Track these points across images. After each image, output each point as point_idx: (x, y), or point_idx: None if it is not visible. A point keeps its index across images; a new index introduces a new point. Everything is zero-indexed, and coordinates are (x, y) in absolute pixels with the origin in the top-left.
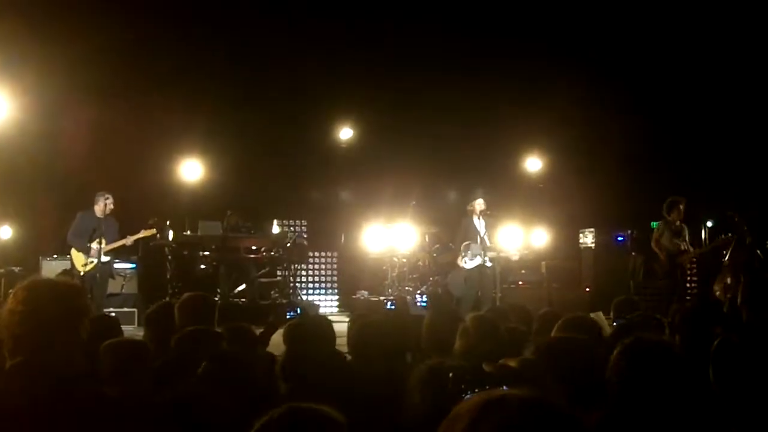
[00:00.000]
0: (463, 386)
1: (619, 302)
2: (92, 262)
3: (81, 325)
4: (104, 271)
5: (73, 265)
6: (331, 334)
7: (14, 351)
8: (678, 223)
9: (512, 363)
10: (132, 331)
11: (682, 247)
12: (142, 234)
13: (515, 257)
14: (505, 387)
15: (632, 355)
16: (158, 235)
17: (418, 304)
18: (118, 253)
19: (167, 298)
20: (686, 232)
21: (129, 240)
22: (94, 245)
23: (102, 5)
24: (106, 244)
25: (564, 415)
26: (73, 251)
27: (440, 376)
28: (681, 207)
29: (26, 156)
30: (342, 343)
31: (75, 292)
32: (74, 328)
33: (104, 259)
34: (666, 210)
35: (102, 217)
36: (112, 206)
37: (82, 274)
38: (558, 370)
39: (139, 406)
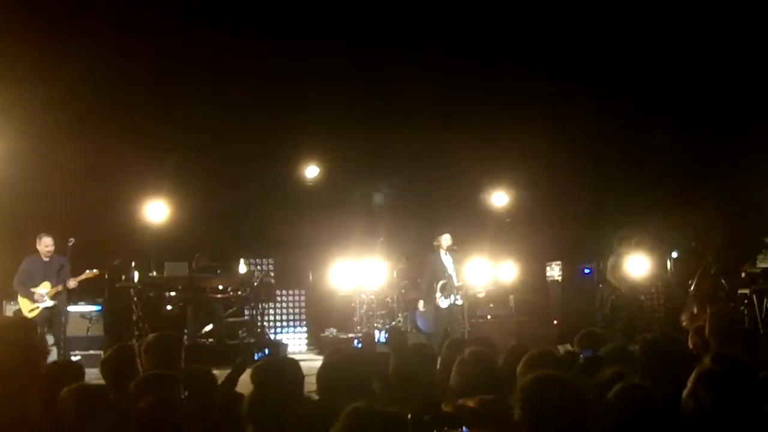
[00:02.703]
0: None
1: (582, 336)
2: (38, 307)
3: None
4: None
5: (21, 311)
6: (299, 376)
7: None
8: (630, 255)
9: (471, 403)
10: (98, 374)
11: (638, 279)
12: (85, 276)
13: (481, 294)
14: (464, 428)
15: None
16: (123, 277)
17: (378, 340)
18: (81, 294)
19: (134, 340)
20: (641, 263)
21: (72, 283)
22: (38, 290)
23: (67, 48)
24: (52, 287)
25: None
26: (20, 297)
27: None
28: (633, 241)
29: None
30: (313, 382)
31: (28, 330)
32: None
33: (49, 303)
34: (616, 243)
35: (47, 260)
36: (51, 247)
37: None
38: (543, 409)
39: None
